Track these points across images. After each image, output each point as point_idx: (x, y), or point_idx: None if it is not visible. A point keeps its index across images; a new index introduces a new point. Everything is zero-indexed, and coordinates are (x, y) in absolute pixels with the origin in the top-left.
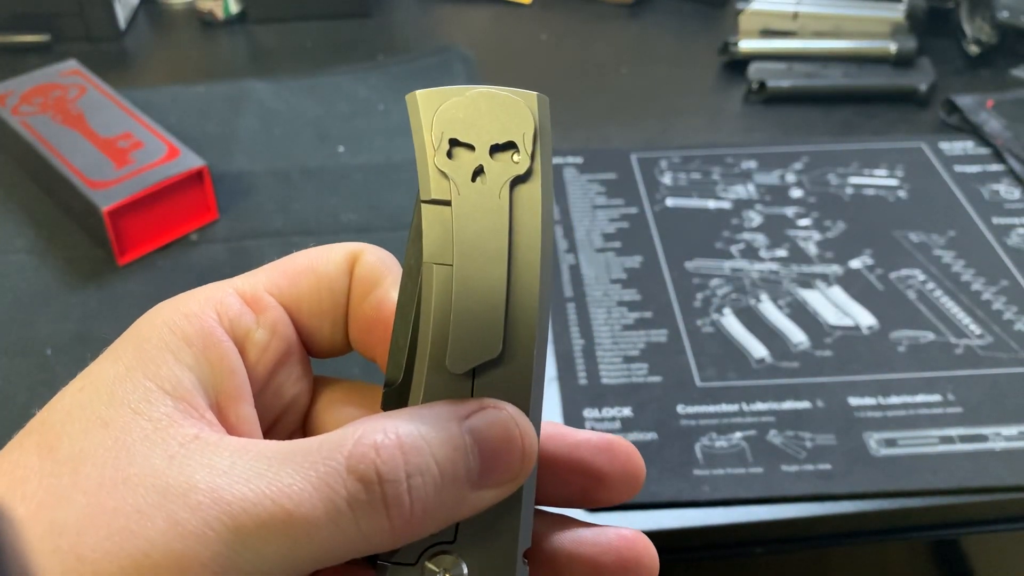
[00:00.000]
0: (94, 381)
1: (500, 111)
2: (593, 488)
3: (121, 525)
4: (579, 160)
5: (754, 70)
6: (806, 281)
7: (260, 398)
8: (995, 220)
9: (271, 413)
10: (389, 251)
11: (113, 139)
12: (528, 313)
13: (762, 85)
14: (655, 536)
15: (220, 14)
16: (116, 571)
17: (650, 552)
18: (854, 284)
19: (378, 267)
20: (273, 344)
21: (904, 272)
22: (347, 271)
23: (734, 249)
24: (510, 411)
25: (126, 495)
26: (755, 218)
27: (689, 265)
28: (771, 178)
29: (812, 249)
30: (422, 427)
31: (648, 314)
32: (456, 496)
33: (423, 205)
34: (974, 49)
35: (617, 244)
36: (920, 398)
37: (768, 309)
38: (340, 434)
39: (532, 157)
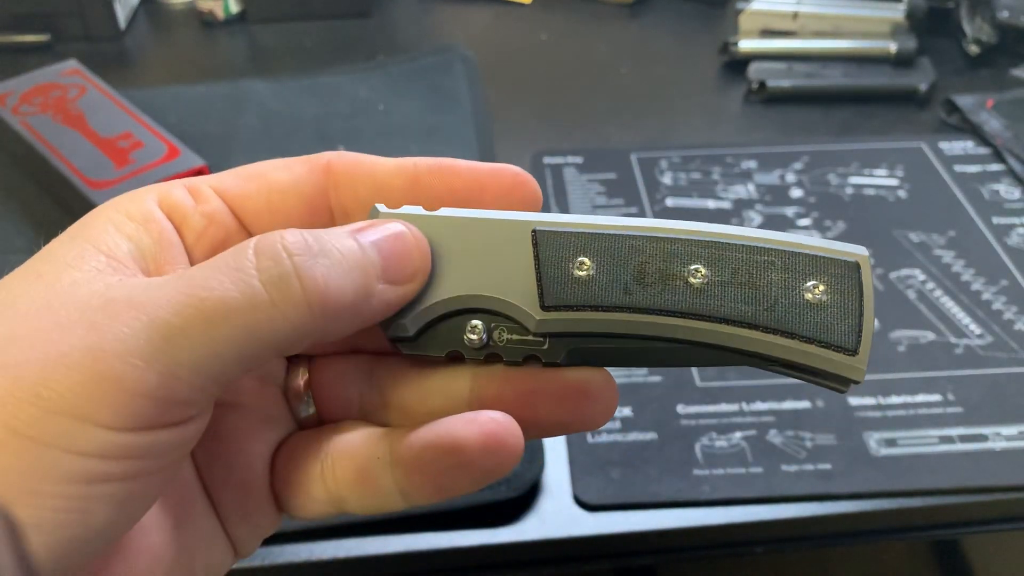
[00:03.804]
0: (42, 250)
1: None
2: (478, 194)
3: (43, 338)
4: (579, 160)
5: (754, 70)
6: None
7: None
8: (995, 220)
9: None
10: None
11: (113, 139)
12: None
13: (762, 85)
14: (655, 536)
15: (220, 14)
16: (36, 371)
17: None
18: None
19: (355, 156)
20: (210, 231)
21: (904, 272)
22: (313, 179)
23: None
24: (400, 222)
25: (49, 316)
26: (755, 218)
27: None
28: (771, 178)
29: None
30: (322, 231)
31: None
32: (364, 284)
33: None
34: (974, 49)
35: None
36: (920, 398)
37: None
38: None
39: None
